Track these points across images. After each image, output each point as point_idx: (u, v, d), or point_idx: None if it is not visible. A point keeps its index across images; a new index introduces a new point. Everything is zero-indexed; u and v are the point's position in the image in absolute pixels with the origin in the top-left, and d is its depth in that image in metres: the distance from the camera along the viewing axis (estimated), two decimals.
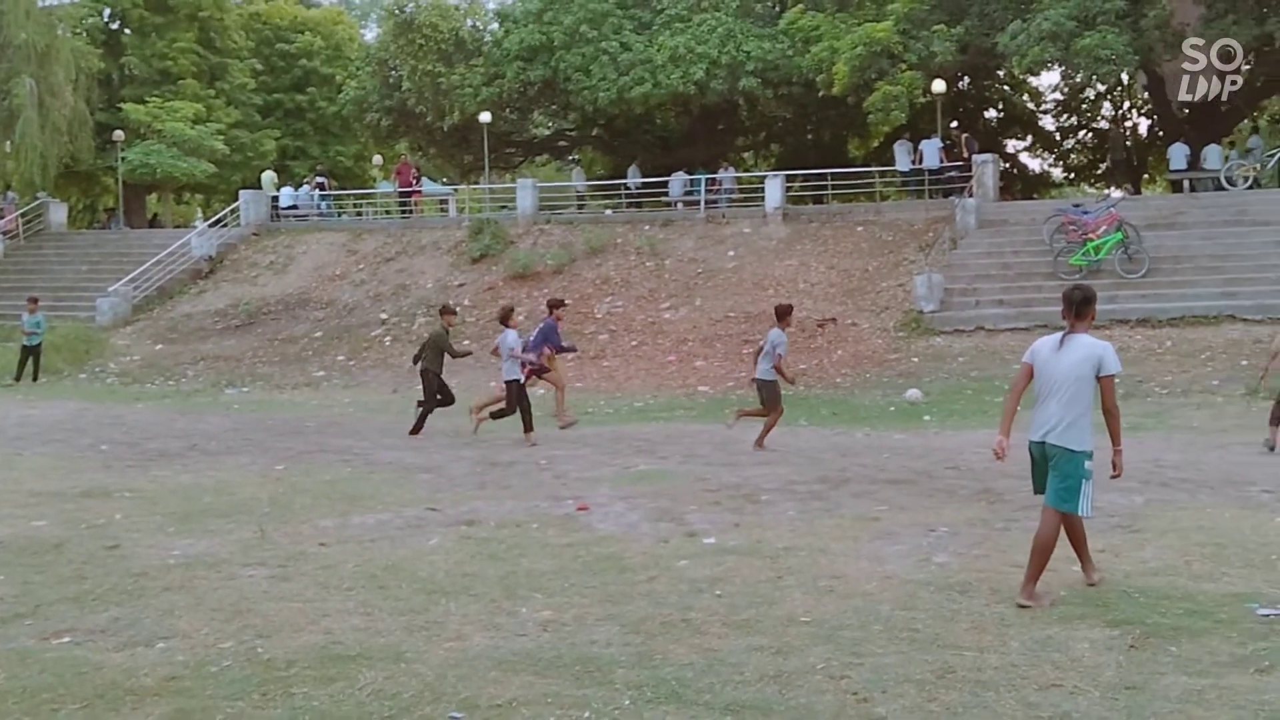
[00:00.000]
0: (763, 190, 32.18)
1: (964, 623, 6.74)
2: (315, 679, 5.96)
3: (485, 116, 35.45)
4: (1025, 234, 27.80)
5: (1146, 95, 37.82)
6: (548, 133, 43.24)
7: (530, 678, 5.95)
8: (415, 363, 18.11)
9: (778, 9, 35.84)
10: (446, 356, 17.48)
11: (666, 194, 34.93)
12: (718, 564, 8.38)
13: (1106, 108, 43.69)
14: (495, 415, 16.88)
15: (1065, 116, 43.95)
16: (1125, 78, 35.62)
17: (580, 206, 36.85)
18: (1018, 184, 40.82)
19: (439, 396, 17.36)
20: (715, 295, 27.91)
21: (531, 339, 18.02)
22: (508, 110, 37.40)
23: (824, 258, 28.66)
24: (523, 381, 16.44)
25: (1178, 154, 31.23)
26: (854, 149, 40.73)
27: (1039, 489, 7.72)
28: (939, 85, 31.43)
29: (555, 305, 19.06)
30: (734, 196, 34.21)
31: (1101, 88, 40.36)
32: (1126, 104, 42.91)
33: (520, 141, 41.70)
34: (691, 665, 6.07)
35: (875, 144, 39.50)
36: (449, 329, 18.08)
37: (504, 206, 35.86)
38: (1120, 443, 7.55)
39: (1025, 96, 42.49)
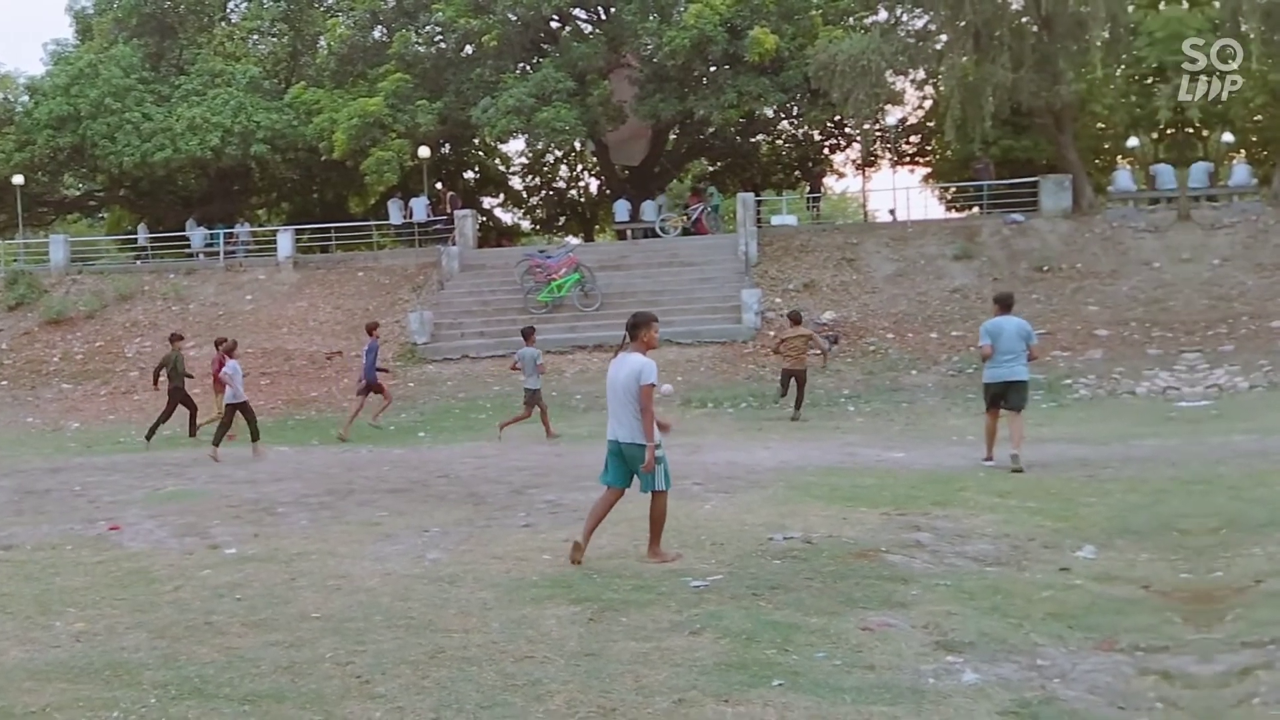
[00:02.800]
0: (275, 242, 31.26)
1: (453, 609, 6.70)
2: None
3: (18, 179, 32.74)
4: (501, 276, 28.48)
5: (595, 159, 39.56)
6: (78, 193, 40.10)
7: (63, 685, 5.49)
8: (161, 383, 18.52)
9: (284, 85, 34.92)
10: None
11: (189, 245, 33.42)
12: (238, 571, 7.99)
13: (564, 170, 45.40)
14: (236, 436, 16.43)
15: (531, 177, 45.02)
16: (578, 145, 37.20)
17: (140, 258, 34.27)
18: (494, 234, 41.83)
19: (178, 407, 18.17)
20: (235, 334, 26.26)
21: (365, 359, 18.77)
22: (39, 173, 34.57)
23: (330, 299, 28.18)
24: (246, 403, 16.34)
25: (621, 208, 32.91)
26: (355, 205, 40.14)
27: (604, 479, 8.05)
28: (424, 151, 31.74)
29: (372, 328, 19.40)
30: (250, 248, 33.12)
31: (559, 153, 41.77)
32: (580, 166, 44.50)
33: (52, 201, 38.54)
34: (214, 663, 5.77)
35: (373, 201, 39.08)
36: (179, 352, 18.53)
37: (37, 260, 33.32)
38: (652, 438, 7.74)
39: (497, 161, 43.18)
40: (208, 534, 9.64)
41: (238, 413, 16.07)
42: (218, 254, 31.90)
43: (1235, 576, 7.02)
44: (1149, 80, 30.17)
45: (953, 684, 5.13)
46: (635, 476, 7.88)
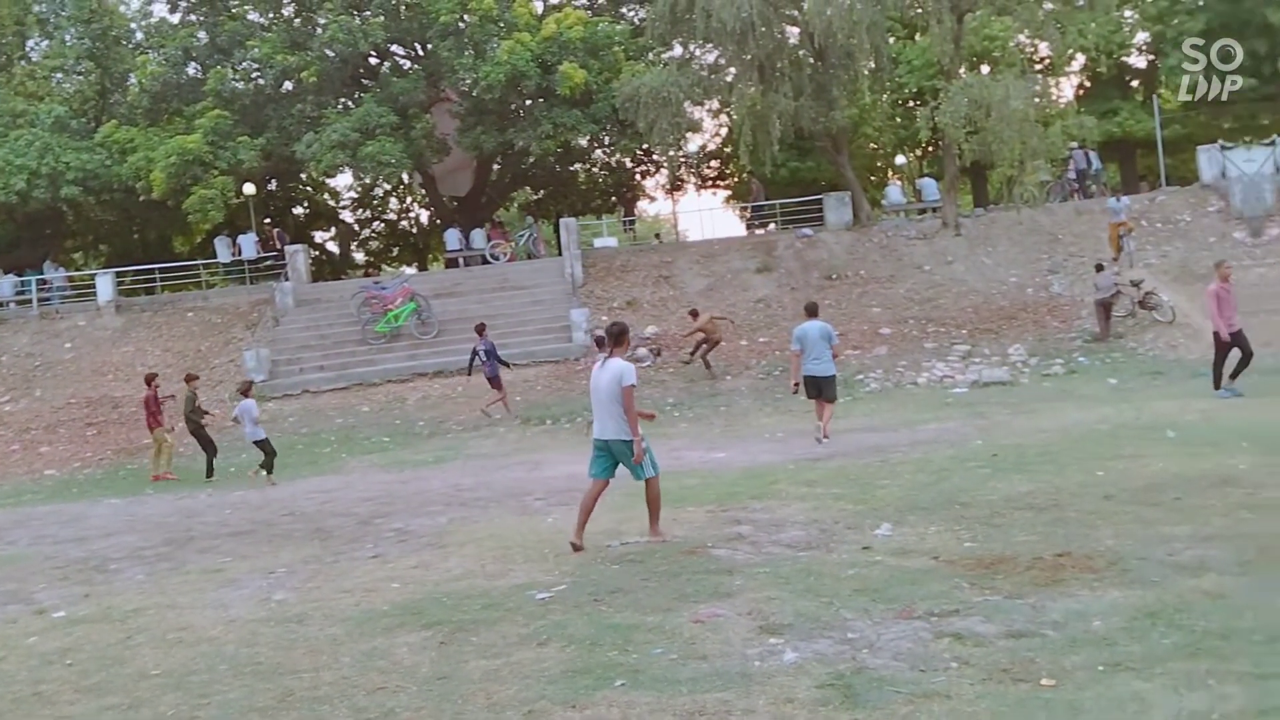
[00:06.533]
0: (95, 286, 29.64)
1: (301, 649, 6.42)
2: None
3: None
4: (337, 309, 27.87)
5: (424, 191, 39.30)
6: None
7: None
8: (187, 423, 18.23)
9: (93, 124, 33.20)
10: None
11: None
12: (67, 635, 7.41)
13: (394, 202, 44.85)
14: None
15: (361, 211, 44.40)
16: (405, 177, 36.77)
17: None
18: (328, 268, 40.91)
19: (209, 443, 18.01)
20: (56, 385, 25.27)
21: (484, 358, 20.82)
22: None
23: (159, 342, 27.00)
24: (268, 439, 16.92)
25: (451, 237, 32.73)
26: (180, 244, 38.58)
27: (591, 473, 8.67)
28: (249, 188, 30.86)
29: (481, 329, 21.53)
30: (67, 294, 31.22)
31: (388, 186, 41.34)
32: (409, 198, 44.13)
33: None
34: None
35: (199, 239, 37.75)
36: (194, 392, 18.36)
37: None
38: (637, 433, 8.39)
39: (326, 195, 42.46)
40: (32, 599, 8.92)
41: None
42: (30, 302, 30.03)
43: (1009, 543, 7.56)
44: (910, 104, 33.29)
45: (776, 664, 5.38)
46: (625, 468, 8.52)
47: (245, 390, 17.32)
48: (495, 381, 20.97)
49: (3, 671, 6.66)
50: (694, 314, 22.93)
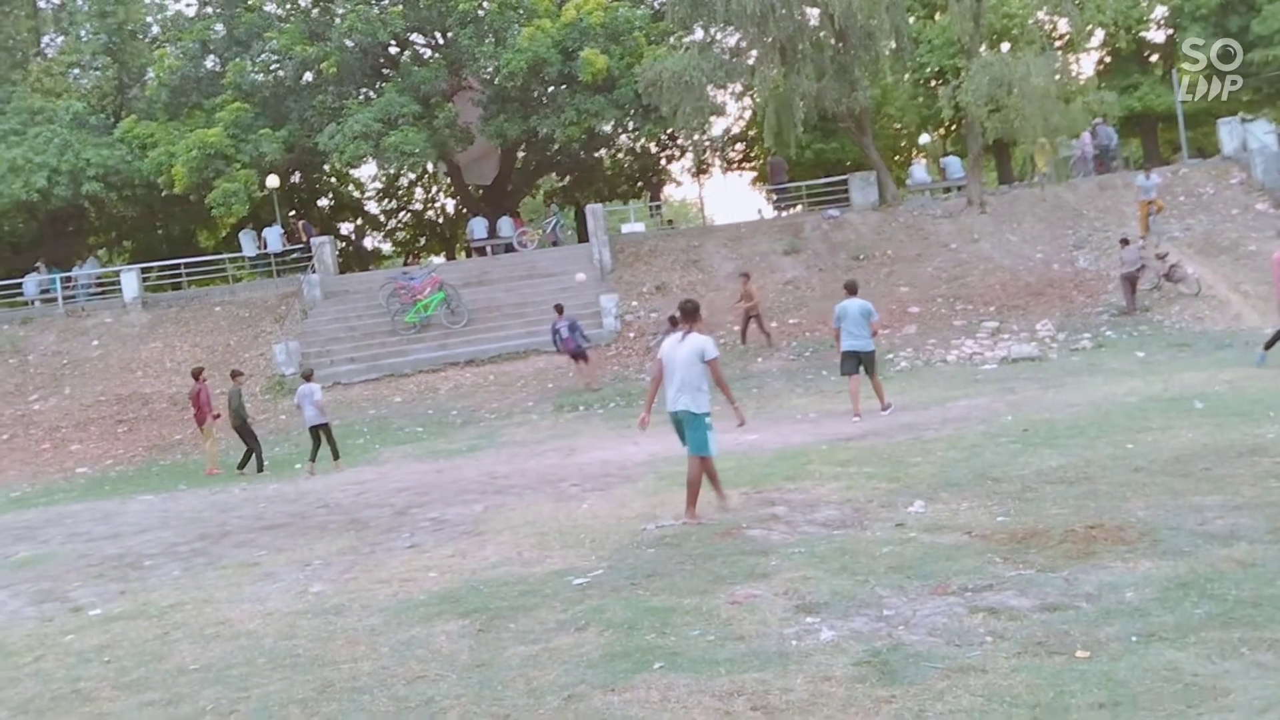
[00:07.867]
0: (120, 283, 29.82)
1: (340, 640, 6.52)
2: None
3: None
4: (365, 300, 27.91)
5: (449, 180, 39.34)
6: None
7: None
8: (233, 421, 18.19)
9: (113, 119, 33.32)
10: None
11: (22, 293, 31.14)
12: (105, 632, 7.54)
13: (419, 192, 44.83)
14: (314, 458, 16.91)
15: (386, 201, 44.38)
16: (430, 167, 36.89)
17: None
18: (356, 259, 41.04)
19: (254, 438, 18.24)
20: (84, 383, 25.49)
21: (567, 334, 21.47)
22: None
23: (187, 337, 27.15)
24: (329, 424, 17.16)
25: (478, 225, 32.64)
26: (204, 239, 38.79)
27: (683, 442, 9.02)
28: (273, 180, 30.89)
29: (561, 309, 22.10)
30: (92, 291, 31.32)
31: (413, 176, 41.36)
32: (435, 188, 44.12)
33: None
34: None
35: (224, 233, 37.91)
36: (240, 388, 18.60)
37: None
38: (735, 402, 9.15)
39: (351, 186, 42.51)
40: (68, 597, 9.06)
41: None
42: (56, 300, 30.18)
43: (1040, 517, 7.63)
44: (932, 83, 33.39)
45: (813, 643, 5.47)
46: (688, 440, 8.88)
47: (308, 375, 17.62)
48: (579, 355, 21.64)
49: (41, 669, 6.79)
50: (745, 276, 23.47)
